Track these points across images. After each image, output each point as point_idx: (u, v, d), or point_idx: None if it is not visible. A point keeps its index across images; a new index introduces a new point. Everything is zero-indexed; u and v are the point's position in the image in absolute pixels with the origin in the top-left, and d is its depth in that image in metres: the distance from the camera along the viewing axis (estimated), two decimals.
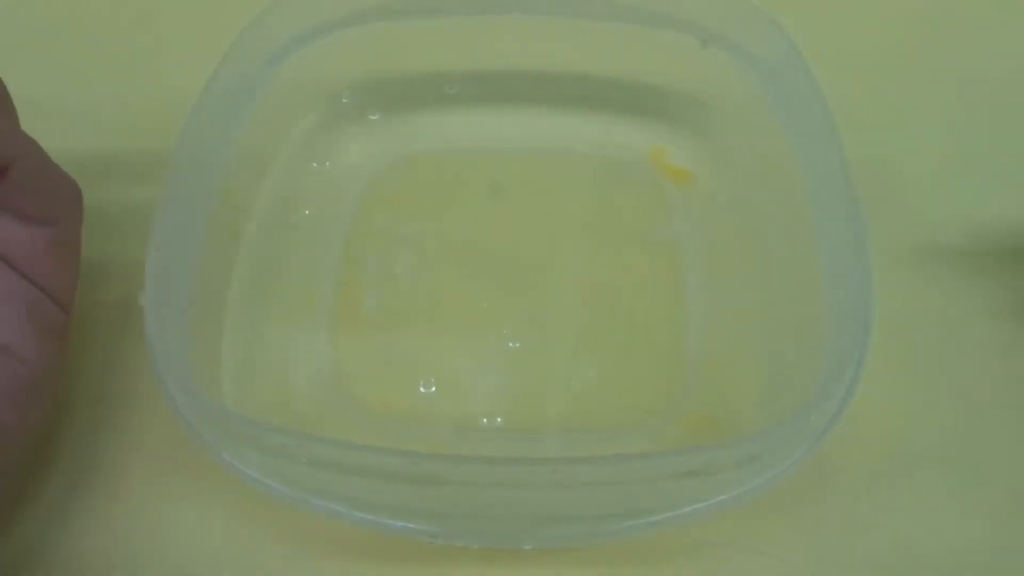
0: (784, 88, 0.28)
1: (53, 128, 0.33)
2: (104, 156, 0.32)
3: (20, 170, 0.23)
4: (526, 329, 0.29)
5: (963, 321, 0.29)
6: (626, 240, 0.31)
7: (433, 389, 0.28)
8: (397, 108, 0.33)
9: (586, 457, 0.21)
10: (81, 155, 0.32)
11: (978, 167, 0.33)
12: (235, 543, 0.25)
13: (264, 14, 0.29)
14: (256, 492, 0.22)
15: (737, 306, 0.29)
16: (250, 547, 0.25)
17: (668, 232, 0.31)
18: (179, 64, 0.31)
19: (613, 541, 0.24)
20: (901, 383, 0.28)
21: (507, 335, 0.29)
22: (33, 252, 0.23)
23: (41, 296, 0.24)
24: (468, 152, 0.33)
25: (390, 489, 0.22)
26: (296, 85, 0.31)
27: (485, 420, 0.27)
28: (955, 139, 0.33)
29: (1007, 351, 0.28)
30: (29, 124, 0.33)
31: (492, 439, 0.27)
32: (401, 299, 0.30)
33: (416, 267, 0.30)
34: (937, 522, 0.25)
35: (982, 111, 0.34)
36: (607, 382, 0.28)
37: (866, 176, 0.31)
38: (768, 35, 0.28)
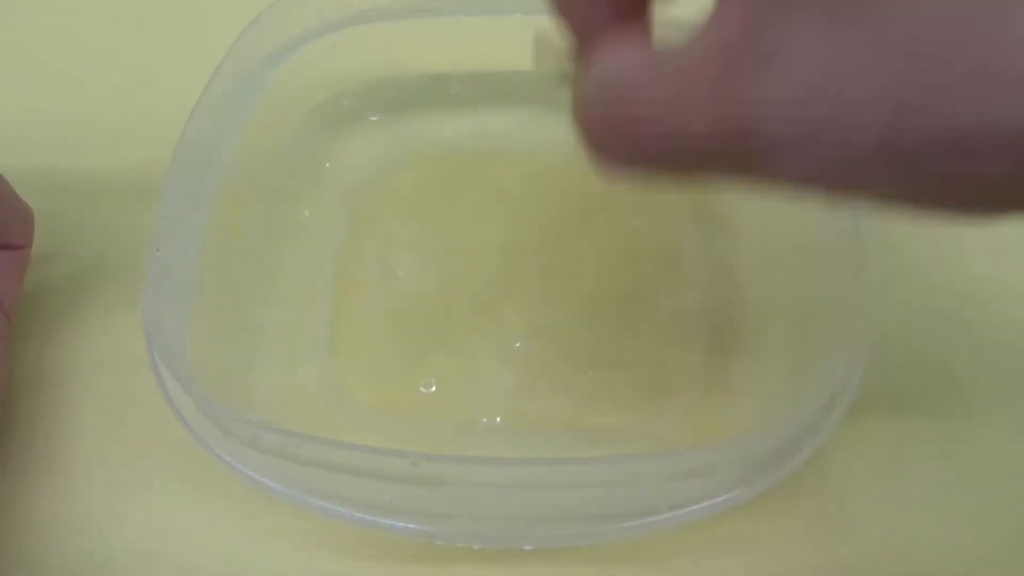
0: None
1: (53, 131, 0.33)
2: (104, 159, 0.32)
3: None
4: (527, 329, 0.29)
5: (963, 320, 0.29)
6: (626, 240, 0.31)
7: (433, 389, 0.28)
8: (397, 108, 0.33)
9: (586, 457, 0.21)
10: (81, 157, 0.32)
11: None
12: (235, 543, 0.25)
13: (264, 14, 0.29)
14: (256, 492, 0.22)
15: (737, 307, 0.29)
16: (250, 547, 0.25)
17: (668, 233, 0.31)
18: (179, 65, 0.31)
19: (613, 541, 0.24)
20: (901, 383, 0.28)
21: (508, 335, 0.29)
22: None
23: None
24: (468, 152, 0.33)
25: (390, 489, 0.22)
26: (296, 85, 0.31)
27: (485, 420, 0.27)
28: None
29: (1008, 349, 0.28)
30: (29, 128, 0.33)
31: (492, 439, 0.27)
32: (401, 299, 0.30)
33: (416, 267, 0.30)
34: (937, 522, 0.25)
35: None
36: (607, 382, 0.28)
37: None
38: None
